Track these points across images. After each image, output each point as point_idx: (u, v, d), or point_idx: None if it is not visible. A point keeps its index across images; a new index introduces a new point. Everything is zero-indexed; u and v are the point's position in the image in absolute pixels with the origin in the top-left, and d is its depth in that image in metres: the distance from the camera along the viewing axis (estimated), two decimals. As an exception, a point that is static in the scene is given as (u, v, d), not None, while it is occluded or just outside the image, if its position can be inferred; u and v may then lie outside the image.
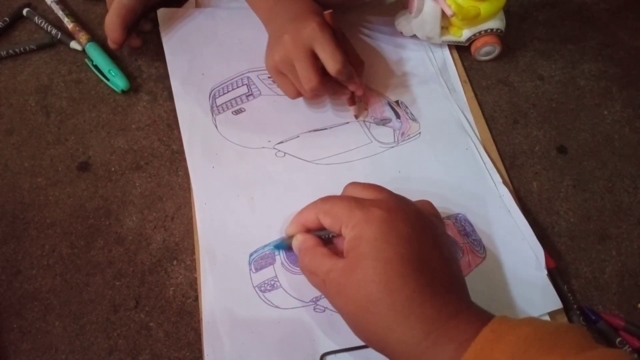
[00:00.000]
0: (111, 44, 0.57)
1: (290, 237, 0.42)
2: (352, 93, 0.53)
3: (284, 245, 0.44)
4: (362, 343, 0.43)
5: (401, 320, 0.34)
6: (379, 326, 0.34)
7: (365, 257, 0.35)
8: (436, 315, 0.34)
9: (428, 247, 0.36)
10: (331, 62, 0.48)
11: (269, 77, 0.57)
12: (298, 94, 0.52)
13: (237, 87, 0.57)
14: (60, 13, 0.62)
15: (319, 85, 0.49)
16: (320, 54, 0.48)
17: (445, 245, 0.38)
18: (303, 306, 0.45)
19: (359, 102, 0.56)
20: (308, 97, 0.54)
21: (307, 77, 0.48)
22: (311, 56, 0.48)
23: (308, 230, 0.42)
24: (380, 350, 0.36)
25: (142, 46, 0.60)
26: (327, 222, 0.39)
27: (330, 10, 0.50)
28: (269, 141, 0.54)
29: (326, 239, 0.41)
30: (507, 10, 0.58)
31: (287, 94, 0.53)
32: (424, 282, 0.34)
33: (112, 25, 0.55)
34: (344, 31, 0.55)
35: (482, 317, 0.34)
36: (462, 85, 0.58)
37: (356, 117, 0.55)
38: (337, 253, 0.38)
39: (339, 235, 0.39)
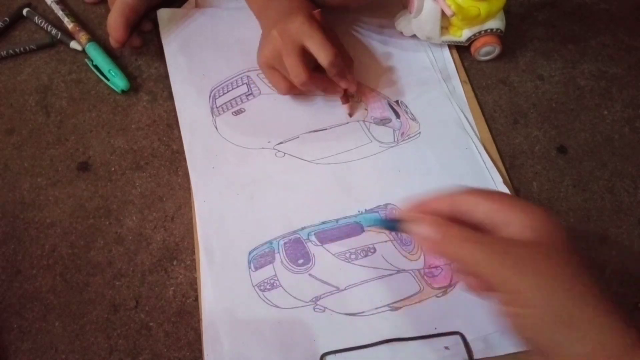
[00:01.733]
0: (113, 43, 0.57)
1: (410, 222, 0.36)
2: (345, 91, 0.53)
3: (393, 226, 0.38)
4: (361, 343, 0.43)
5: (610, 323, 0.30)
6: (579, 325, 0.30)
7: (561, 252, 0.32)
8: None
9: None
10: (322, 54, 0.48)
11: (269, 77, 0.57)
12: (288, 90, 0.52)
13: (237, 87, 0.57)
14: (60, 13, 0.62)
15: (307, 80, 0.49)
16: (311, 47, 0.48)
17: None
18: (303, 306, 0.45)
19: (355, 101, 0.56)
20: (300, 91, 0.54)
21: (295, 72, 0.49)
22: (300, 51, 0.48)
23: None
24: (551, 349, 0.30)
25: (142, 46, 0.60)
26: (482, 210, 0.34)
27: (319, 10, 0.50)
28: (269, 142, 0.54)
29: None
30: (507, 10, 0.58)
31: (277, 89, 0.53)
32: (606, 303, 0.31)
33: (114, 24, 0.55)
34: (340, 31, 0.55)
35: None
36: (462, 85, 0.58)
37: (350, 115, 0.55)
38: None
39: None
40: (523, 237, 0.32)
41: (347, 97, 0.55)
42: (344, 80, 0.52)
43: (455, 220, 0.34)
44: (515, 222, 0.33)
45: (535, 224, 0.33)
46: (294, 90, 0.53)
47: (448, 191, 0.36)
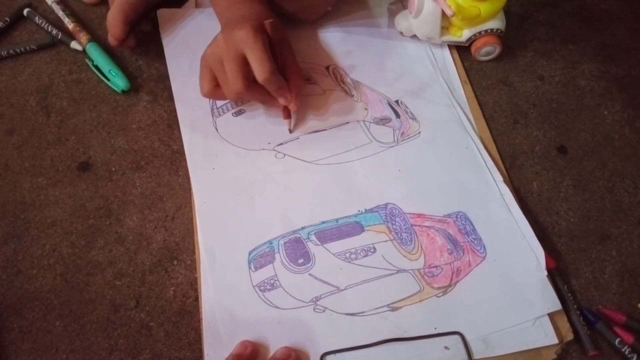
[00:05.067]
0: (111, 41, 0.57)
1: None
2: (286, 107, 0.52)
3: None
4: (361, 343, 0.43)
5: None
6: None
7: None
8: None
9: None
10: (258, 69, 0.47)
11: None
12: (209, 92, 0.51)
13: (237, 87, 0.57)
14: (60, 13, 0.62)
15: (243, 90, 0.48)
16: (250, 58, 0.47)
17: None
18: (303, 306, 0.45)
19: (355, 101, 0.56)
20: (231, 99, 0.53)
21: (232, 79, 0.48)
22: (240, 59, 0.47)
23: None
24: None
25: (137, 46, 0.60)
26: None
27: (271, 20, 0.49)
28: (269, 143, 0.54)
29: None
30: (507, 10, 0.58)
31: (201, 89, 0.51)
32: None
33: (113, 21, 0.55)
34: (340, 31, 0.55)
35: None
36: (462, 85, 0.58)
37: (290, 131, 0.54)
38: None
39: None
40: None
41: (287, 113, 0.53)
42: (282, 98, 0.51)
43: None
44: None
45: None
46: (215, 95, 0.52)
47: None
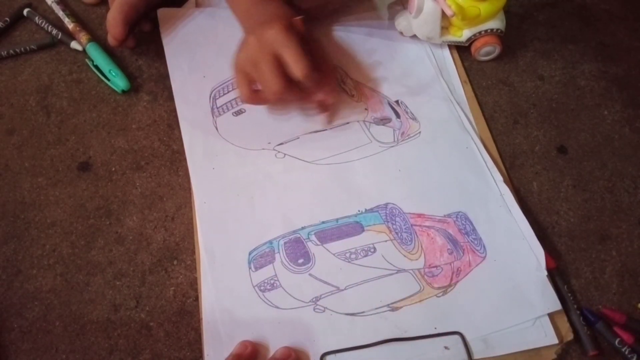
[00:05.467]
0: (111, 41, 0.57)
1: None
2: (321, 101, 0.52)
3: None
4: (361, 343, 0.43)
5: None
6: None
7: None
8: None
9: None
10: (296, 66, 0.46)
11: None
12: (249, 97, 0.50)
13: (237, 87, 0.57)
14: (60, 13, 0.62)
15: (282, 90, 0.47)
16: (286, 57, 0.47)
17: None
18: (303, 306, 0.45)
19: (356, 101, 0.56)
20: (271, 101, 0.52)
21: (270, 80, 0.47)
22: (275, 59, 0.47)
23: None
24: None
25: (136, 46, 0.60)
26: None
27: (301, 17, 0.49)
28: (269, 143, 0.54)
29: None
30: (507, 10, 0.58)
31: (241, 96, 0.51)
32: None
33: (113, 21, 0.55)
34: (340, 31, 0.54)
35: None
36: (462, 85, 0.58)
37: (328, 123, 0.54)
38: None
39: None
40: None
41: (325, 107, 0.53)
42: (322, 92, 0.51)
43: None
44: None
45: None
46: (257, 100, 0.51)
47: None
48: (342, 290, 0.46)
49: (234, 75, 0.51)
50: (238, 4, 0.54)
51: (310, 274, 0.47)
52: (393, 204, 0.50)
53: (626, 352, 0.44)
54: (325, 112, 0.54)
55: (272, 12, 0.50)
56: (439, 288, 0.46)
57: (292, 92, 0.49)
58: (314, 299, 0.46)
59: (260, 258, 0.47)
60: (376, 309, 0.45)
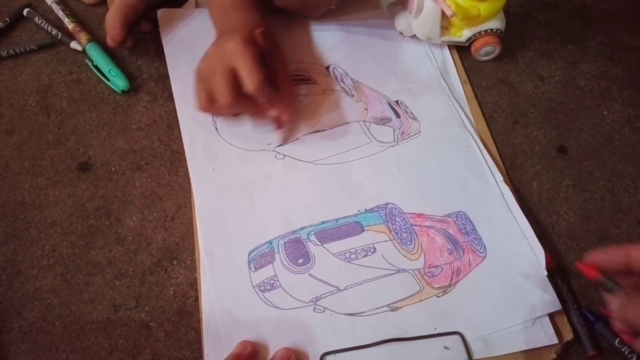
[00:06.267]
0: (110, 42, 0.57)
1: (608, 279, 0.38)
2: (278, 117, 0.52)
3: (607, 286, 0.38)
4: (361, 343, 0.43)
5: None
6: None
7: None
8: None
9: None
10: (247, 80, 0.46)
11: (269, 78, 0.57)
12: (205, 106, 0.50)
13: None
14: (60, 13, 0.62)
15: (231, 102, 0.48)
16: (239, 70, 0.47)
17: None
18: (303, 306, 0.45)
19: (355, 101, 0.56)
20: (221, 113, 0.52)
21: (221, 92, 0.48)
22: (229, 72, 0.47)
23: (628, 268, 0.37)
24: None
25: (134, 47, 0.60)
26: None
27: (261, 29, 0.49)
28: (269, 144, 0.54)
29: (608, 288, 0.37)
30: (507, 10, 0.58)
31: (197, 104, 0.51)
32: None
33: (112, 22, 0.55)
34: (339, 31, 0.53)
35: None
36: (462, 85, 0.58)
37: (283, 142, 0.53)
38: None
39: None
40: None
41: (280, 123, 0.52)
42: (274, 109, 0.50)
43: None
44: None
45: None
46: (212, 109, 0.51)
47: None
48: (342, 290, 0.46)
49: (195, 83, 0.51)
50: (213, 10, 0.55)
51: (310, 274, 0.47)
52: (393, 204, 0.50)
53: (626, 352, 0.44)
54: (280, 128, 0.53)
55: (238, 22, 0.50)
56: (439, 288, 0.46)
57: (244, 106, 0.50)
58: (313, 299, 0.46)
59: (260, 258, 0.47)
60: (376, 309, 0.45)
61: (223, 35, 0.49)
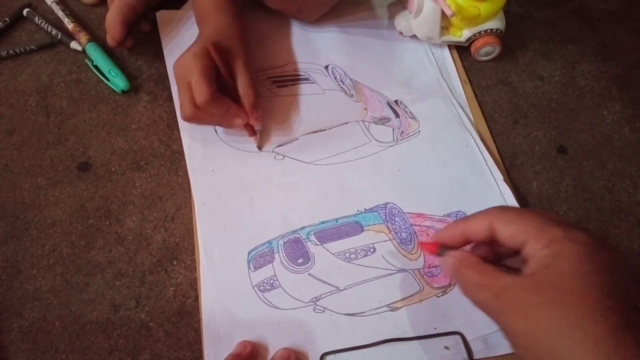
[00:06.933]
0: (110, 41, 0.57)
1: (445, 248, 0.39)
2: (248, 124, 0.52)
3: (443, 254, 0.40)
4: (361, 343, 0.43)
5: (591, 357, 0.30)
6: (565, 353, 0.30)
7: (561, 277, 0.32)
8: (633, 353, 0.30)
9: (627, 284, 0.33)
10: (195, 94, 0.48)
11: (268, 78, 0.57)
12: (184, 117, 0.51)
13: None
14: (60, 13, 0.62)
15: (190, 115, 0.49)
16: (192, 85, 0.48)
17: (636, 286, 0.35)
18: (303, 306, 0.45)
19: (354, 101, 0.56)
20: (192, 122, 0.52)
21: (182, 104, 0.49)
22: (187, 86, 0.48)
23: (466, 241, 0.39)
24: None
25: (134, 47, 0.60)
26: (507, 232, 0.35)
27: (214, 42, 0.49)
28: (269, 144, 0.54)
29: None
30: (507, 10, 0.58)
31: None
32: (622, 319, 0.31)
33: (112, 22, 0.55)
34: (339, 31, 0.53)
35: None
36: (462, 85, 0.58)
37: (259, 148, 0.53)
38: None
39: (515, 251, 0.36)
40: (536, 265, 0.34)
41: (251, 130, 0.52)
42: (236, 118, 0.50)
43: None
44: (528, 248, 0.35)
45: (548, 252, 0.33)
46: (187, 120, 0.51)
47: (485, 214, 0.38)
48: (342, 290, 0.46)
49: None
50: (195, 15, 0.56)
51: (309, 274, 0.47)
52: (392, 203, 0.50)
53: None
54: (251, 135, 0.53)
55: (210, 28, 0.51)
56: (438, 288, 0.46)
57: (207, 118, 0.51)
58: (313, 299, 0.46)
59: (259, 258, 0.47)
60: (376, 309, 0.45)
61: (192, 45, 0.51)
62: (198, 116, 0.50)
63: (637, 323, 0.31)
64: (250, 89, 0.51)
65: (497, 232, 0.36)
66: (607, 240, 0.36)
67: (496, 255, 0.38)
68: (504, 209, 0.38)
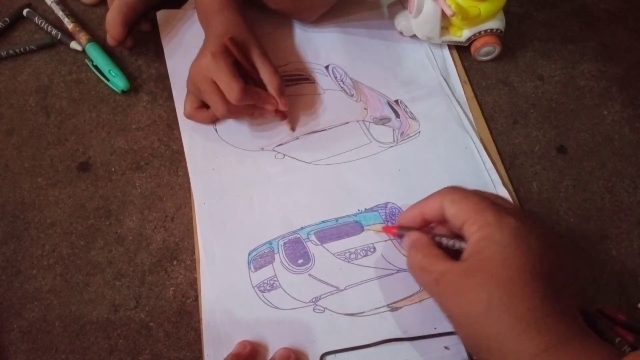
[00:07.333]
0: (110, 41, 0.57)
1: (403, 229, 0.42)
2: (277, 109, 0.52)
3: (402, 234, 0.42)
4: (361, 343, 0.43)
5: (519, 331, 0.33)
6: (494, 334, 0.34)
7: (490, 262, 0.35)
8: (557, 332, 0.33)
9: (556, 266, 0.36)
10: (227, 93, 0.48)
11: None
12: (190, 115, 0.53)
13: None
14: (60, 13, 0.62)
15: (226, 113, 0.50)
16: (219, 84, 0.48)
17: (570, 271, 0.38)
18: (303, 306, 0.45)
19: (355, 101, 0.56)
20: (205, 121, 0.54)
21: (214, 106, 0.50)
22: (214, 85, 0.49)
23: (425, 221, 0.41)
24: (487, 359, 0.35)
25: (134, 47, 0.60)
26: (451, 211, 0.38)
27: (230, 37, 0.49)
28: (269, 144, 0.54)
29: (440, 245, 0.40)
30: (507, 10, 0.58)
31: (185, 112, 0.54)
32: (549, 298, 0.34)
33: (112, 22, 0.55)
34: (339, 31, 0.54)
35: (607, 350, 0.33)
36: (462, 85, 0.58)
37: (292, 129, 0.54)
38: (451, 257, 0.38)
39: (454, 233, 0.38)
40: (470, 249, 0.37)
41: (282, 114, 0.53)
42: (268, 105, 0.51)
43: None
44: (465, 229, 0.37)
45: (480, 236, 0.36)
46: (195, 117, 0.53)
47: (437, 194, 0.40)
48: (342, 290, 0.46)
49: (187, 95, 0.53)
50: (198, 15, 0.56)
51: (309, 274, 0.47)
52: (393, 203, 0.50)
53: (626, 352, 0.44)
54: (284, 119, 0.54)
55: (217, 26, 0.51)
56: (438, 288, 0.46)
57: (240, 111, 0.51)
58: (313, 299, 0.46)
59: (259, 258, 0.47)
60: (376, 309, 0.45)
61: (205, 44, 0.51)
62: (232, 112, 0.50)
63: (565, 302, 0.34)
64: (274, 74, 0.51)
65: (445, 210, 0.39)
66: (537, 224, 0.38)
67: (455, 234, 0.40)
68: (454, 189, 0.40)
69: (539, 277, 0.34)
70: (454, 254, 0.38)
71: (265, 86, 0.51)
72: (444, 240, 0.40)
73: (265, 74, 0.51)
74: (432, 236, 0.40)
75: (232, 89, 0.47)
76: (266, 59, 0.52)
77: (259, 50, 0.51)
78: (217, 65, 0.48)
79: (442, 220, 0.40)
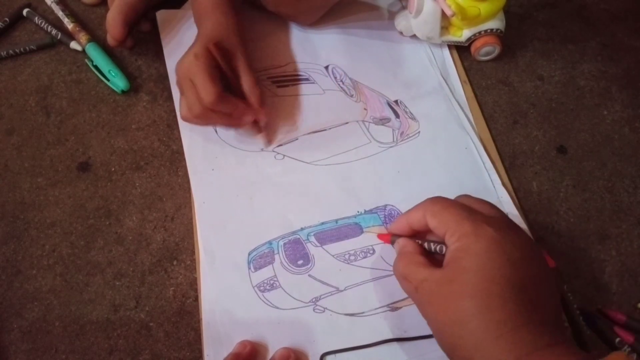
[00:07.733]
0: (111, 41, 0.57)
1: (395, 236, 0.43)
2: (255, 121, 0.52)
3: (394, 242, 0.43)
4: (361, 343, 0.44)
5: (492, 341, 0.33)
6: (468, 342, 0.34)
7: (466, 272, 0.35)
8: (529, 343, 0.33)
9: (532, 276, 0.36)
10: (201, 95, 0.47)
11: (267, 78, 0.57)
12: (185, 117, 0.51)
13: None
14: (60, 13, 0.62)
15: (199, 114, 0.49)
16: (196, 85, 0.48)
17: (549, 280, 0.38)
18: (303, 306, 0.45)
19: (355, 101, 0.56)
20: (198, 123, 0.53)
21: (190, 106, 0.49)
22: (191, 86, 0.48)
23: (413, 230, 0.42)
24: None
25: (135, 46, 0.60)
26: (433, 223, 0.39)
27: (215, 42, 0.49)
28: (270, 144, 0.54)
29: (429, 250, 0.41)
30: (507, 10, 0.58)
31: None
32: (522, 308, 0.34)
33: (113, 21, 0.55)
34: (339, 30, 0.53)
35: (579, 357, 0.33)
36: (462, 85, 0.58)
37: (265, 145, 0.53)
38: (435, 263, 0.39)
39: (441, 240, 0.39)
40: (448, 259, 0.37)
41: (258, 128, 0.53)
42: (245, 116, 0.50)
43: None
44: (446, 239, 0.38)
45: (458, 246, 0.37)
46: (189, 120, 0.51)
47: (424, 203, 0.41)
48: (342, 290, 0.46)
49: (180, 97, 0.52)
50: (193, 15, 0.55)
51: (309, 275, 0.47)
52: (392, 205, 0.50)
53: (626, 352, 0.44)
54: (259, 132, 0.53)
55: (208, 28, 0.51)
56: (438, 288, 0.46)
57: (215, 117, 0.50)
58: (313, 300, 0.46)
59: (259, 259, 0.47)
60: (376, 309, 0.45)
61: (194, 41, 0.51)
62: (207, 116, 0.49)
63: (540, 312, 0.35)
64: (255, 85, 0.51)
65: (427, 222, 0.39)
66: (518, 234, 0.38)
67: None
68: (434, 200, 0.40)
69: (514, 287, 0.34)
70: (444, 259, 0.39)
71: (244, 95, 0.51)
72: (432, 246, 0.40)
73: (246, 84, 0.51)
74: (421, 242, 0.41)
75: (207, 91, 0.47)
76: (249, 69, 0.51)
77: (243, 58, 0.51)
78: (197, 66, 0.48)
79: (428, 230, 0.40)
